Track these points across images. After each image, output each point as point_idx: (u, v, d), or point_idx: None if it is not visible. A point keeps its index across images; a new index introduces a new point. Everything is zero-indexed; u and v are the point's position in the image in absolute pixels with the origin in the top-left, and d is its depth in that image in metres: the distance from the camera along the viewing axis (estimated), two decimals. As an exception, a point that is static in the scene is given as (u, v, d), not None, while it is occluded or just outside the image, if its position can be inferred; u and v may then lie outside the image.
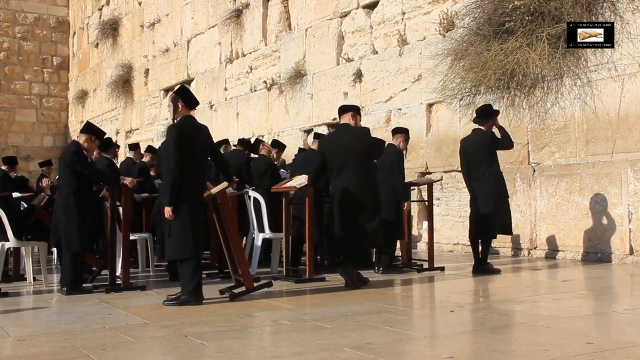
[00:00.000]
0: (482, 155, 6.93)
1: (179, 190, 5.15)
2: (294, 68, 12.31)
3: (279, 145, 9.33)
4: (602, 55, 7.37)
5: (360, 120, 6.33)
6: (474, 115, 7.30)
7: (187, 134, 5.23)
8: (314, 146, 8.06)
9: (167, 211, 5.16)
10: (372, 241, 6.12)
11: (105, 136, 6.94)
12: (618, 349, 3.50)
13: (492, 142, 6.98)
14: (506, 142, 7.12)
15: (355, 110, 6.28)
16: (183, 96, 5.42)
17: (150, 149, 9.85)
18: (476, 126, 7.15)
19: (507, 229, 7.10)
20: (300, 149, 9.38)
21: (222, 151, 8.63)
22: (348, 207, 5.96)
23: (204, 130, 5.44)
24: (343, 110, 6.30)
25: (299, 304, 5.39)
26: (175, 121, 5.34)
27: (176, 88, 5.77)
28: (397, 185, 7.04)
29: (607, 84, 7.53)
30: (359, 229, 5.94)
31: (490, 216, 6.85)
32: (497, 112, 7.26)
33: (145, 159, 9.37)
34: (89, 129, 6.31)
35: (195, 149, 5.24)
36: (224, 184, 5.46)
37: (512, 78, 7.62)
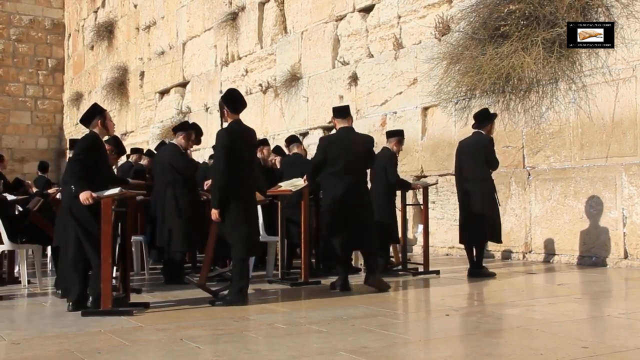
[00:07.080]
0: (476, 158, 6.94)
1: (227, 193, 5.26)
2: (289, 71, 12.31)
3: (280, 153, 9.12)
4: (596, 59, 7.40)
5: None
6: (472, 121, 7.29)
7: (234, 139, 5.32)
8: (295, 149, 8.09)
9: (214, 213, 5.28)
10: (363, 244, 6.10)
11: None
12: (613, 353, 3.51)
13: (488, 147, 6.97)
14: (494, 162, 7.07)
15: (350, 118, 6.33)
16: (227, 102, 5.48)
17: (149, 152, 9.90)
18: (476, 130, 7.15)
19: (496, 237, 7.06)
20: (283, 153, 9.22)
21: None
22: (341, 207, 5.96)
23: (251, 133, 5.60)
24: (340, 113, 6.26)
25: (294, 308, 5.39)
26: (224, 125, 5.47)
27: (224, 91, 5.91)
28: (392, 181, 7.07)
29: (602, 88, 7.56)
30: (350, 231, 5.94)
31: (482, 220, 6.86)
32: (495, 114, 7.27)
33: (144, 162, 9.42)
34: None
35: (241, 152, 5.33)
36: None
37: (507, 82, 7.65)
